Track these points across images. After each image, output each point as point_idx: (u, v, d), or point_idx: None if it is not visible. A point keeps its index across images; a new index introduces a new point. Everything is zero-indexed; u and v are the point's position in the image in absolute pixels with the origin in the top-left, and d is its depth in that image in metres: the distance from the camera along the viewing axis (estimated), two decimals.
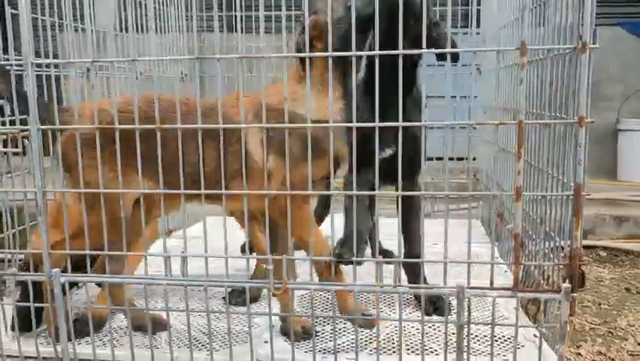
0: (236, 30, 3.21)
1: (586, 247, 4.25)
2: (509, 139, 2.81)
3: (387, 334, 2.05)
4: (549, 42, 1.93)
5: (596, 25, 1.56)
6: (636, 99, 6.18)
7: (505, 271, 2.56)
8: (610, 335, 2.81)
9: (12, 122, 2.13)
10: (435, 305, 2.22)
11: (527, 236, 2.21)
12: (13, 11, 1.96)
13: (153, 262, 1.96)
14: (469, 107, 3.40)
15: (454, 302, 1.67)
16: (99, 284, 2.14)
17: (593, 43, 1.53)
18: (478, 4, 3.53)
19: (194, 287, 2.35)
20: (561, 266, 1.73)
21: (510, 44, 1.88)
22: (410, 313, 2.27)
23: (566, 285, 1.62)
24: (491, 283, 1.69)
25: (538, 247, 2.10)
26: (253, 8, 3.86)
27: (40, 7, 2.24)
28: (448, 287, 1.72)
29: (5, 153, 2.07)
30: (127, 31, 2.99)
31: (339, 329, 2.10)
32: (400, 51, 1.57)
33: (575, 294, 1.64)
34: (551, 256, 1.95)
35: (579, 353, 2.60)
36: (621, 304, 3.22)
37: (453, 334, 1.69)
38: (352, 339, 2.00)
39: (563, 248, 1.86)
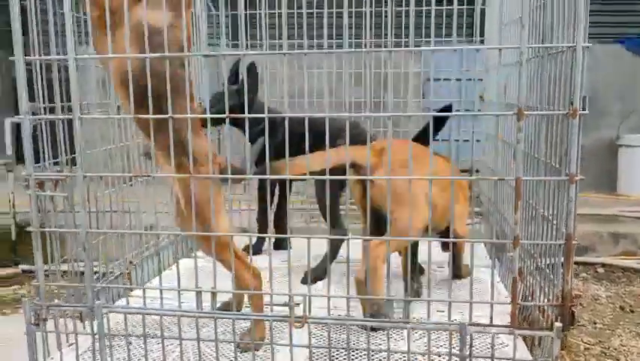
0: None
1: (584, 264, 4.45)
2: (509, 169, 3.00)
3: None
4: (548, 39, 2.07)
5: (597, 42, 1.74)
6: (636, 116, 6.36)
7: (506, 297, 2.74)
8: (603, 355, 3.00)
9: None
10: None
11: (525, 268, 2.39)
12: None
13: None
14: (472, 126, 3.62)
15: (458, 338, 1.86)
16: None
17: (585, 43, 1.69)
18: (482, 15, 3.75)
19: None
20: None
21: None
22: (415, 340, 2.45)
23: (558, 324, 1.81)
24: (491, 320, 1.88)
25: (534, 281, 2.28)
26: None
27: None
28: (451, 323, 1.92)
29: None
30: None
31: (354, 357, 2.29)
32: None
33: (567, 332, 1.83)
34: (546, 291, 2.14)
35: None
36: (615, 323, 3.41)
37: None
38: None
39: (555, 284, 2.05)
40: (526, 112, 1.75)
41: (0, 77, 6.70)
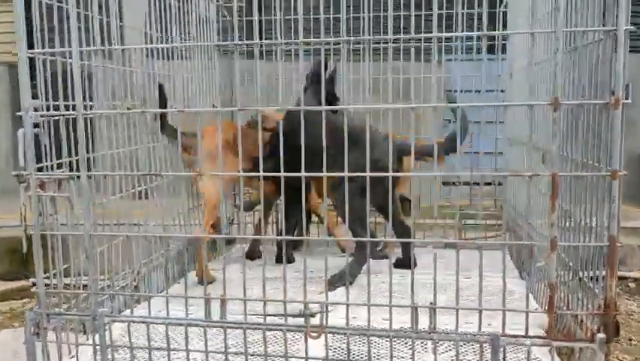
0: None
1: None
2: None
3: None
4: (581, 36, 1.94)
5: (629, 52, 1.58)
6: None
7: (536, 309, 2.56)
8: None
9: None
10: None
11: (559, 278, 2.22)
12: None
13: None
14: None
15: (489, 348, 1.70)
16: None
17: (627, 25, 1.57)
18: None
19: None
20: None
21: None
22: (441, 353, 2.28)
23: (601, 335, 1.64)
24: (526, 331, 1.72)
25: (569, 291, 2.11)
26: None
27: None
28: (483, 334, 1.75)
29: None
30: None
31: None
32: None
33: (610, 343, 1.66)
34: (584, 301, 1.97)
35: None
36: None
37: None
38: None
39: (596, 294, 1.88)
40: (562, 102, 1.61)
41: (11, 89, 6.70)
